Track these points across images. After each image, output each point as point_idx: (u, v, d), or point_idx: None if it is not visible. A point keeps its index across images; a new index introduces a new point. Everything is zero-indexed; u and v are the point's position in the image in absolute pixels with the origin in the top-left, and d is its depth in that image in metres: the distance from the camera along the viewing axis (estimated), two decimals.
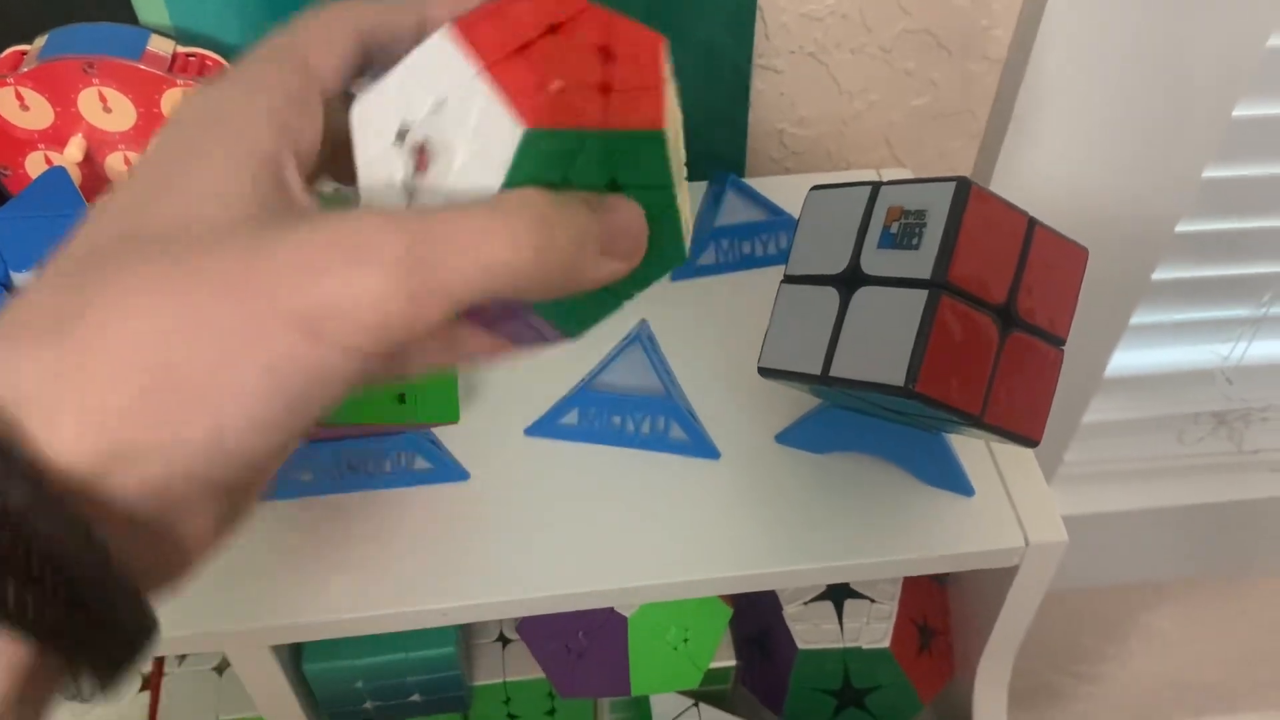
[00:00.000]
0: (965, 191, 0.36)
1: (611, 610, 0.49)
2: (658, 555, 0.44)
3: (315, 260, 0.20)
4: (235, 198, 0.21)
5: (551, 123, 0.23)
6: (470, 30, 0.24)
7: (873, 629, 0.52)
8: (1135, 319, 0.82)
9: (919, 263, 0.37)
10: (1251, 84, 0.65)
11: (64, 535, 0.18)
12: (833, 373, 0.38)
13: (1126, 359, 0.88)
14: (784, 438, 0.48)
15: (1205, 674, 1.31)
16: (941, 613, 0.55)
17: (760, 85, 0.60)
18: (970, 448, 0.48)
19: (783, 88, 0.60)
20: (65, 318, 0.19)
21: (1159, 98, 0.61)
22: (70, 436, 0.18)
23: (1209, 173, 0.68)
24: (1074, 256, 0.40)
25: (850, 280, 0.39)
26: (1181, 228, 0.72)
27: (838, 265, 0.40)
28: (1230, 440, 0.95)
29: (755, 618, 0.55)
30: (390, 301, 0.19)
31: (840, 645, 0.52)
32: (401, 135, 0.24)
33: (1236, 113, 0.64)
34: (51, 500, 0.18)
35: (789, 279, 0.42)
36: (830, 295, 0.40)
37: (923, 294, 0.36)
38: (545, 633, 0.49)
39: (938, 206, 0.37)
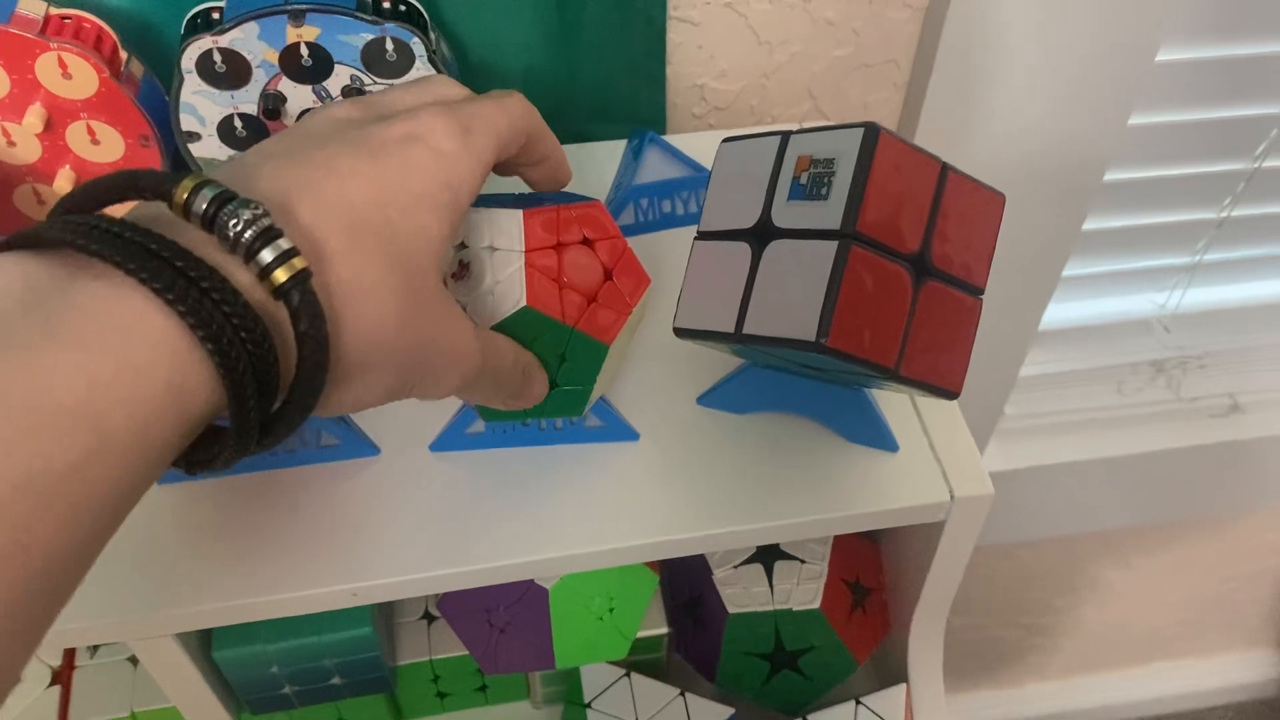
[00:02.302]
0: (873, 138, 0.35)
1: (532, 583, 0.47)
2: (576, 525, 0.43)
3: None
4: None
5: (542, 308, 0.36)
6: (531, 219, 0.36)
7: (803, 590, 0.51)
8: (1068, 270, 0.82)
9: (828, 213, 0.35)
10: (1176, 25, 0.64)
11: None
12: (745, 330, 0.37)
13: (1063, 311, 0.88)
14: (706, 399, 0.46)
15: (1152, 620, 1.33)
16: (875, 570, 0.54)
17: (677, 38, 0.58)
18: (895, 403, 0.47)
19: (700, 40, 0.58)
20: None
21: (1083, 43, 0.60)
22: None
23: (1135, 119, 0.68)
24: (990, 203, 0.39)
25: (761, 234, 0.38)
26: (1110, 176, 0.72)
27: (749, 219, 0.38)
28: (1169, 389, 0.96)
29: (687, 584, 0.54)
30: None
31: (771, 608, 0.51)
32: (462, 246, 0.37)
33: (1160, 57, 0.63)
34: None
35: (701, 235, 0.41)
36: (743, 250, 0.38)
37: (832, 245, 0.35)
38: (466, 609, 0.48)
39: (846, 154, 0.35)
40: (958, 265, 0.38)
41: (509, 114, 0.34)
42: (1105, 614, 1.28)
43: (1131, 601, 1.27)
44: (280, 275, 0.25)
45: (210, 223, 0.25)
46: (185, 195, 0.25)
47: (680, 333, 0.40)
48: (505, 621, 0.47)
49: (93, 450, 0.22)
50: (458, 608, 0.48)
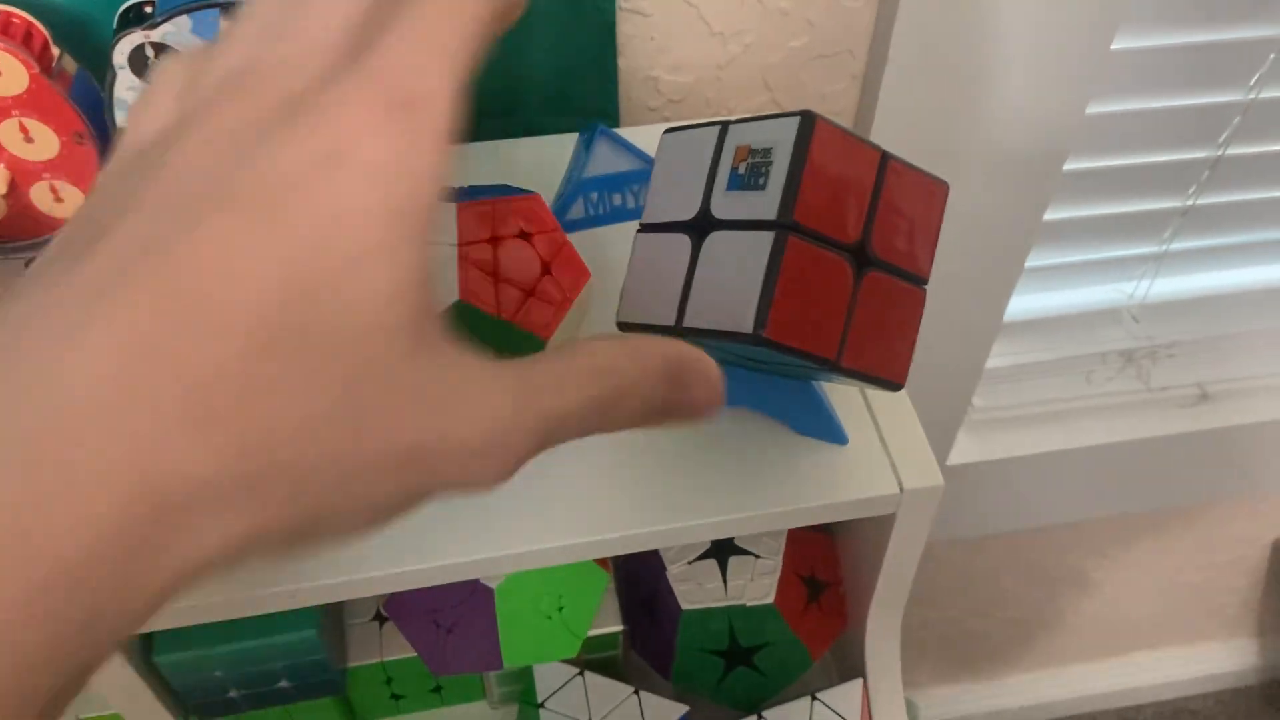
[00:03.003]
0: (809, 126, 0.34)
1: (477, 583, 0.47)
2: (521, 523, 0.42)
3: None
4: None
5: (475, 302, 0.35)
6: (464, 212, 0.35)
7: (757, 585, 0.51)
8: (1033, 260, 0.81)
9: (766, 203, 0.35)
10: (1132, 13, 0.64)
11: None
12: (686, 323, 0.37)
13: (1031, 301, 0.87)
14: None
15: (1130, 611, 1.33)
16: (831, 565, 0.54)
17: (628, 30, 0.57)
18: (845, 396, 0.47)
19: (652, 32, 0.58)
20: None
21: (1037, 32, 0.59)
22: None
23: (1093, 108, 0.67)
24: (933, 191, 0.39)
25: (701, 226, 0.37)
26: (1070, 165, 0.72)
27: (689, 211, 0.38)
28: (1139, 379, 0.95)
29: (641, 580, 0.53)
30: None
31: (725, 603, 0.50)
32: None
33: (1117, 44, 0.63)
34: None
35: (644, 228, 0.40)
36: (683, 243, 0.38)
37: (769, 236, 0.34)
38: (412, 610, 0.47)
39: (783, 144, 0.35)
40: (901, 255, 0.37)
41: (462, 11, 0.20)
42: (1083, 605, 1.29)
43: (1109, 592, 1.27)
44: None
45: None
46: None
47: (623, 326, 0.39)
48: (452, 622, 0.47)
49: None
50: (404, 609, 0.47)
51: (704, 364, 0.24)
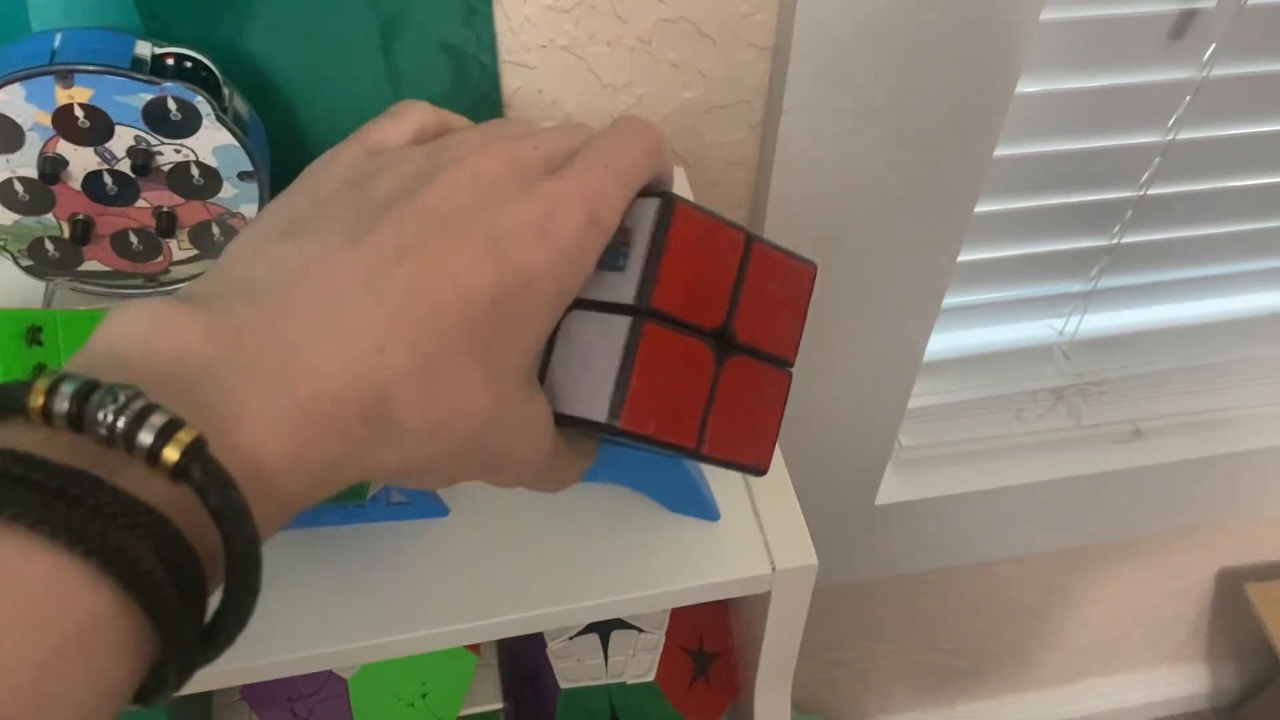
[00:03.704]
0: (669, 210, 0.33)
1: (330, 673, 0.45)
2: (378, 611, 0.40)
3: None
4: None
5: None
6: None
7: (639, 661, 0.49)
8: (959, 298, 0.80)
9: (624, 286, 0.33)
10: (1031, 58, 0.63)
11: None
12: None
13: (959, 339, 0.86)
14: None
15: (1077, 639, 1.32)
16: (722, 634, 0.52)
17: (515, 82, 0.56)
18: (720, 471, 0.45)
19: (539, 84, 0.56)
20: None
21: (936, 80, 0.58)
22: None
23: (1001, 150, 0.66)
24: (800, 273, 0.37)
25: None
26: (983, 207, 0.70)
27: None
28: (1070, 416, 0.95)
29: (523, 656, 0.51)
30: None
31: (605, 681, 0.49)
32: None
33: (1021, 89, 0.62)
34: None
35: None
36: None
37: (626, 321, 0.33)
38: (269, 698, 0.45)
39: (643, 226, 0.33)
40: (765, 339, 0.36)
41: (635, 148, 0.31)
42: (1030, 636, 1.28)
43: (1055, 623, 1.26)
44: (170, 454, 0.21)
45: (78, 422, 0.21)
46: (41, 400, 0.21)
47: None
48: (308, 711, 0.45)
49: None
50: (262, 696, 0.46)
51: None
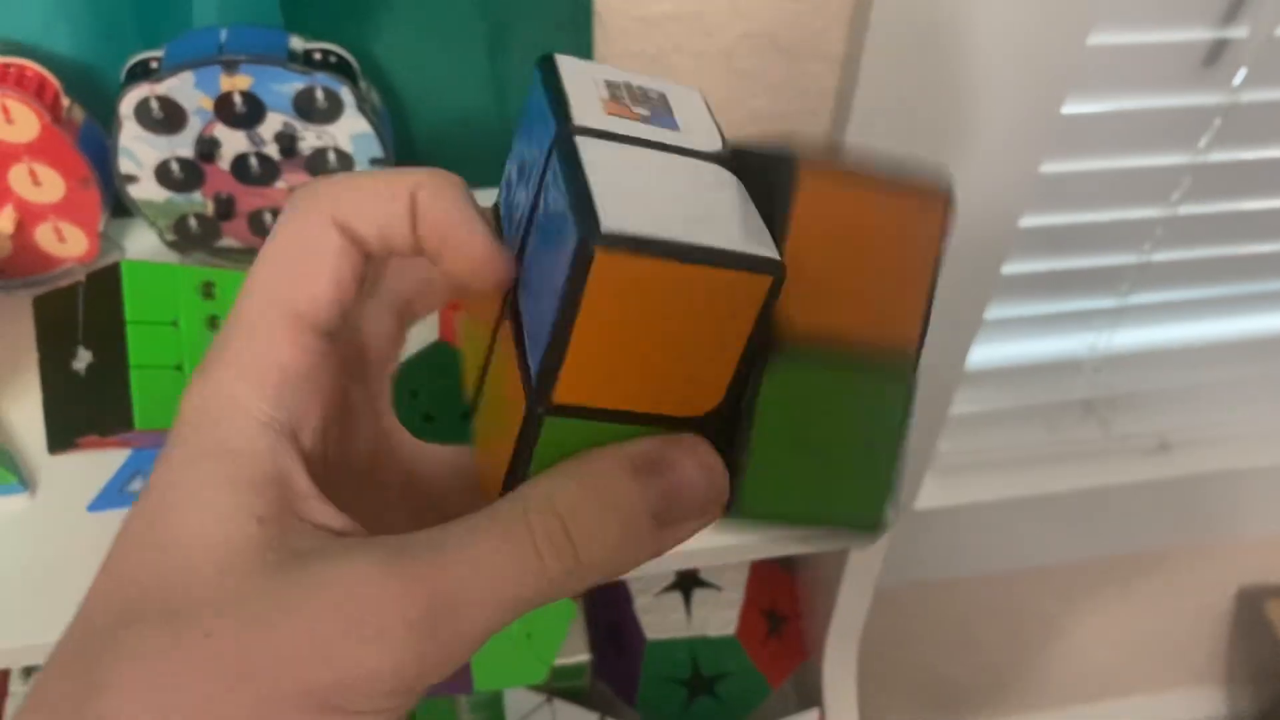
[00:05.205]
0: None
1: None
2: None
3: (323, 637, 0.18)
4: (235, 551, 0.20)
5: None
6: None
7: (720, 617, 0.53)
8: (995, 312, 0.85)
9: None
10: (1079, 80, 0.68)
11: None
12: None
13: (995, 351, 0.91)
14: None
15: (1098, 656, 1.35)
16: (790, 599, 0.56)
17: None
18: None
19: None
20: (78, 705, 0.19)
21: (988, 98, 0.63)
22: None
23: (1047, 167, 0.71)
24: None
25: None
26: (1026, 222, 0.75)
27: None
28: (1099, 427, 0.99)
29: (608, 611, 0.55)
30: (408, 668, 0.19)
31: (688, 634, 0.53)
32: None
33: (1066, 109, 0.66)
34: None
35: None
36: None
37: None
38: None
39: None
40: None
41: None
42: (1051, 651, 1.30)
43: (1076, 638, 1.29)
44: None
45: None
46: None
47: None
48: None
49: None
50: None
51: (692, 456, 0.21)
